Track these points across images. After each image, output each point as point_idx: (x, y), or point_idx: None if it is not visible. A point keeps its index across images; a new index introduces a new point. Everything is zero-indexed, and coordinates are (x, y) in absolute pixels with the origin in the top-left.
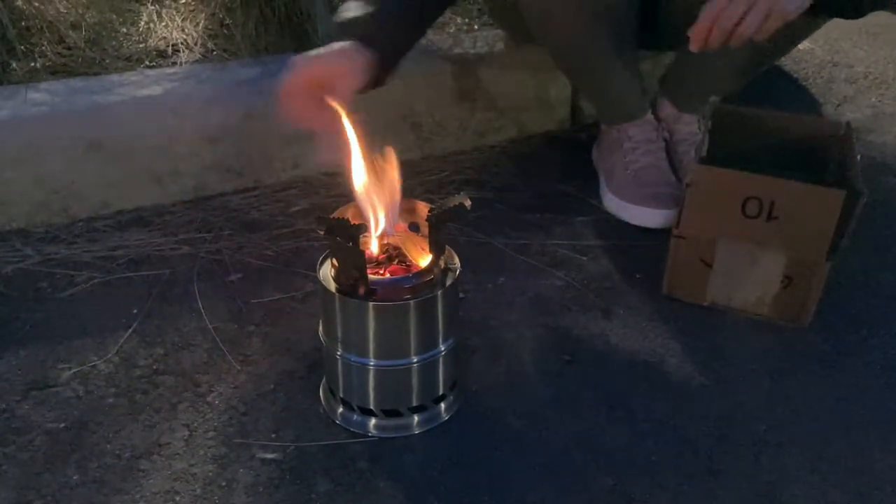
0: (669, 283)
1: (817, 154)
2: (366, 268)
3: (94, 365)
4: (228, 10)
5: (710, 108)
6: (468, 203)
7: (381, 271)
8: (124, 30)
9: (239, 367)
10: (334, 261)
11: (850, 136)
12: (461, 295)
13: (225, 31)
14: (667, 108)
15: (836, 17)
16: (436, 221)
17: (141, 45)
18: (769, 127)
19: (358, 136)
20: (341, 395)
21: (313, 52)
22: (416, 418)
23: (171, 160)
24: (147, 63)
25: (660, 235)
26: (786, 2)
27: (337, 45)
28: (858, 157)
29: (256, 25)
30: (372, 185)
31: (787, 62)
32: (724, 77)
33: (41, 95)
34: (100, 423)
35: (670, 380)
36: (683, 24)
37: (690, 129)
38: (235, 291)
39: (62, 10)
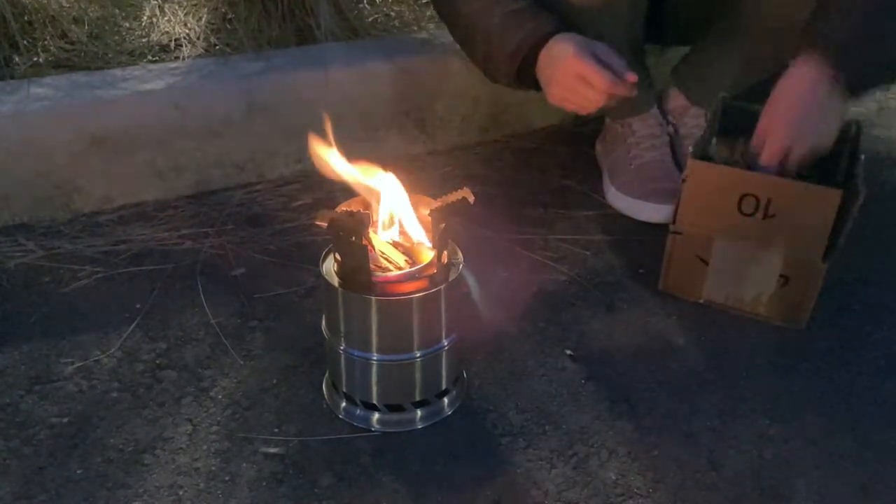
0: (666, 280)
1: (828, 154)
2: (368, 262)
3: (98, 359)
4: (231, 4)
5: (718, 103)
6: (471, 197)
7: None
8: (127, 24)
9: (242, 362)
10: (337, 255)
11: (859, 136)
12: (464, 289)
13: (227, 25)
14: (676, 101)
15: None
16: (439, 216)
17: (143, 40)
18: None
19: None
20: (344, 389)
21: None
22: (419, 413)
23: (173, 155)
24: (150, 58)
25: (663, 230)
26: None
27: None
28: (863, 157)
29: (259, 20)
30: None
31: None
32: (741, 71)
33: (44, 90)
34: (103, 418)
35: (673, 374)
36: (691, 19)
37: (697, 122)
38: (238, 286)
39: (65, 4)
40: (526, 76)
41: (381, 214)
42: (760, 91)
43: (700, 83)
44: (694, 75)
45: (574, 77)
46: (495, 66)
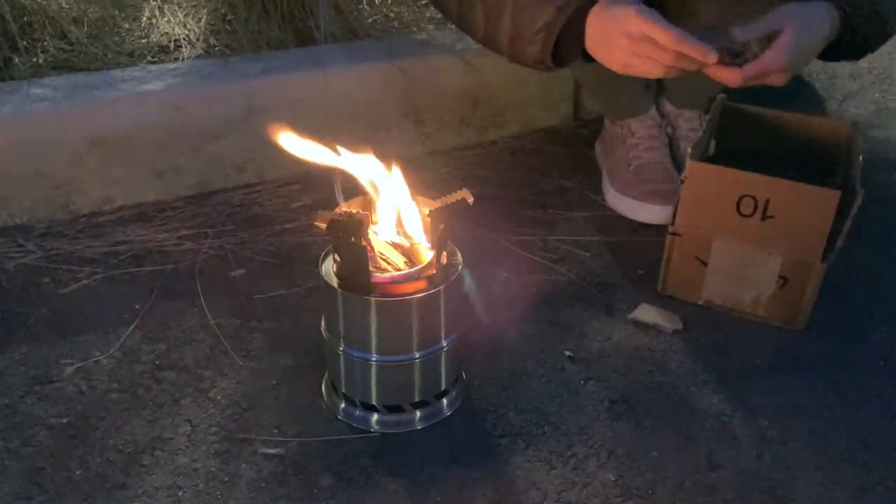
0: (665, 281)
1: (827, 156)
2: (368, 263)
3: (97, 360)
4: (230, 5)
5: (718, 105)
6: (470, 198)
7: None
8: (126, 25)
9: (241, 363)
10: (336, 256)
11: (857, 137)
12: (463, 291)
13: (227, 26)
14: (669, 104)
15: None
16: (438, 217)
17: (143, 41)
18: (781, 128)
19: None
20: (343, 390)
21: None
22: (418, 414)
23: (173, 156)
24: (149, 58)
25: (662, 231)
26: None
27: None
28: (860, 157)
29: (259, 21)
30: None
31: None
32: None
33: (43, 91)
34: (102, 419)
35: (672, 375)
36: (687, 21)
37: (692, 124)
38: (238, 287)
39: (64, 5)
40: (566, 47)
41: (381, 200)
42: (759, 91)
43: (680, 88)
44: (674, 81)
45: (638, 38)
46: (526, 42)
